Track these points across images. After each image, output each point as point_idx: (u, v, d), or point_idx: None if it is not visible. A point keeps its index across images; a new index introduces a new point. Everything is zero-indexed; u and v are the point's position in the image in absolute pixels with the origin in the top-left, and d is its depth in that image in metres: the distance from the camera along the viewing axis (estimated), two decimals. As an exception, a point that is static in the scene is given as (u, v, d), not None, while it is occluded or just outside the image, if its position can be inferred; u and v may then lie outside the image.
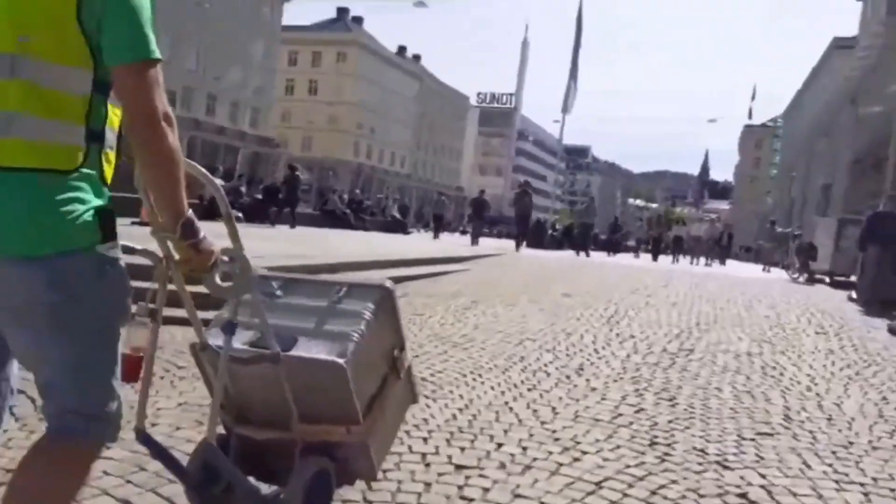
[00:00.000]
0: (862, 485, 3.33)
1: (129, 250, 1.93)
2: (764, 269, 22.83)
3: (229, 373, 2.25)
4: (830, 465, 3.55)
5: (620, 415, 4.13)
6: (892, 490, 3.29)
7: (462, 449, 3.40)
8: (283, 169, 39.91)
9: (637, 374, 5.20)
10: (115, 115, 1.68)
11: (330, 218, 24.86)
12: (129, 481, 2.78)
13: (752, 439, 3.84)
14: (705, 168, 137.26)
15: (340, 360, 2.25)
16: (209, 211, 2.26)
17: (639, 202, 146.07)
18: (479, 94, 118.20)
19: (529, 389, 4.56)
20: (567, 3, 74.84)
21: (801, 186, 52.52)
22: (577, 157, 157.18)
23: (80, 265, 1.59)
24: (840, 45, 54.21)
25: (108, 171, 1.69)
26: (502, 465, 3.24)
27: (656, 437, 3.78)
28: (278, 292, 2.49)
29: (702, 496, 3.08)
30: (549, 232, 31.81)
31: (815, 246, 16.05)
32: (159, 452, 2.25)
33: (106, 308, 1.66)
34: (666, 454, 3.53)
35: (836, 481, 3.36)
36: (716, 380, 5.19)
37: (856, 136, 33.69)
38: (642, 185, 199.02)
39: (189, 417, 3.59)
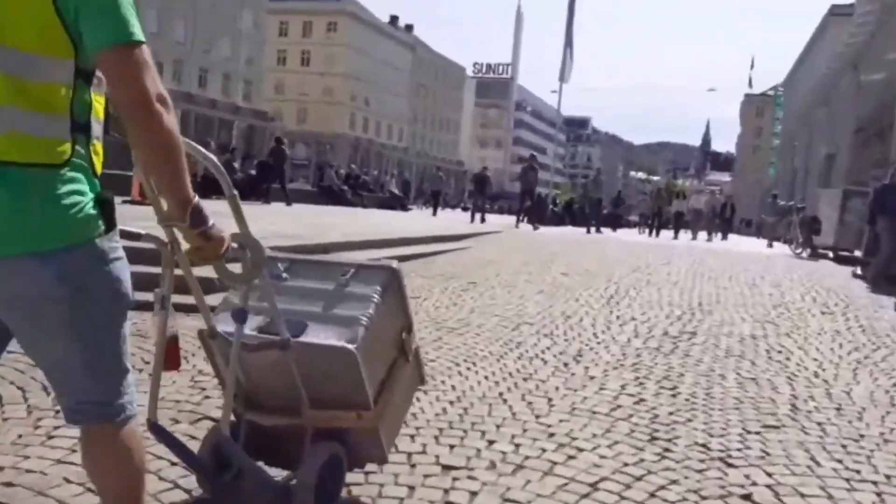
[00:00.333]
0: (874, 483, 3.14)
1: (133, 236, 1.93)
2: (768, 245, 22.56)
3: (239, 359, 2.22)
4: (840, 462, 3.37)
5: (619, 406, 3.94)
6: (907, 489, 3.11)
7: (451, 447, 3.22)
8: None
9: (637, 360, 5.01)
10: (98, 104, 1.63)
11: (327, 194, 24.41)
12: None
13: (758, 433, 3.66)
14: (707, 139, 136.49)
15: (351, 346, 2.22)
16: (204, 188, 2.07)
17: (641, 175, 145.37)
18: (475, 64, 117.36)
19: (525, 379, 4.37)
20: (564, -27, 73.73)
21: (804, 156, 52.08)
22: (577, 128, 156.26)
23: (86, 258, 1.59)
24: (837, 13, 53.56)
25: (97, 163, 1.65)
26: (492, 465, 3.06)
27: (656, 430, 3.60)
28: (284, 275, 2.44)
29: (704, 498, 2.90)
30: (550, 207, 31.48)
31: (819, 219, 15.78)
32: (170, 442, 2.25)
33: (112, 298, 1.66)
34: (666, 450, 3.34)
35: (847, 479, 3.18)
36: (719, 366, 5.00)
37: (858, 104, 33.25)
38: (644, 157, 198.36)
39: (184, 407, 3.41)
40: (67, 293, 1.57)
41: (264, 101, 65.36)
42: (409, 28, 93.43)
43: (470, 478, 2.92)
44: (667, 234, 24.32)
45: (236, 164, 20.80)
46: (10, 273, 1.54)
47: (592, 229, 21.38)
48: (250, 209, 1.96)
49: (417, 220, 17.61)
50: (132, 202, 12.73)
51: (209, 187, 1.89)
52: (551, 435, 3.43)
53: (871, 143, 30.42)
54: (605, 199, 25.45)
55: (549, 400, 3.97)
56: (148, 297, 2.10)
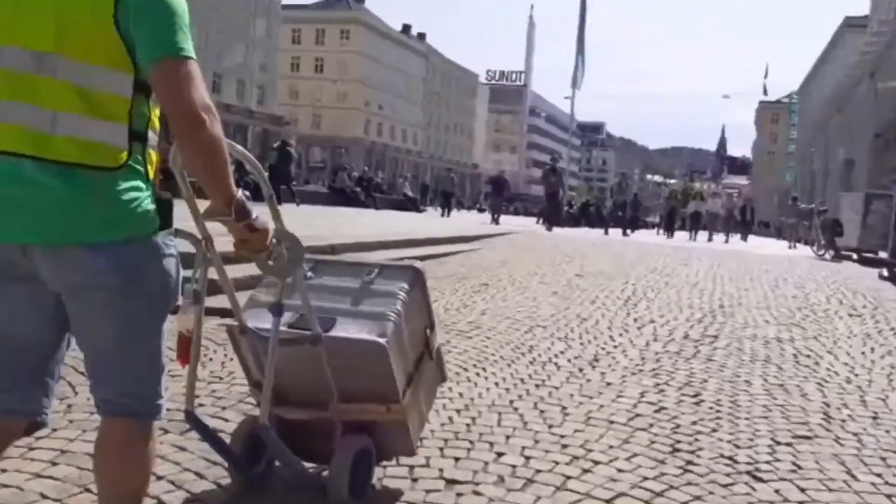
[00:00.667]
0: (920, 500, 2.86)
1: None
2: (790, 246, 22.16)
3: (266, 353, 2.25)
4: (879, 475, 3.10)
5: (638, 415, 3.67)
6: (957, 507, 2.83)
7: (456, 459, 2.97)
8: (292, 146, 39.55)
9: (657, 365, 4.74)
10: (155, 116, 1.72)
11: (340, 196, 24.40)
12: None
13: (788, 444, 3.38)
14: (722, 143, 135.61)
15: (382, 340, 2.29)
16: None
17: (657, 178, 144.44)
18: (488, 71, 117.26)
19: (537, 385, 4.11)
20: (574, -22, 73.46)
21: (822, 161, 51.62)
22: (591, 133, 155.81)
23: (141, 251, 1.66)
24: (851, 24, 53.50)
25: (151, 171, 1.73)
26: (500, 480, 2.80)
27: (678, 441, 3.33)
28: (309, 273, 2.46)
29: (733, 517, 2.64)
30: (566, 209, 31.10)
31: (841, 222, 15.40)
32: (207, 433, 2.33)
33: (160, 293, 1.72)
34: (689, 463, 3.08)
35: (888, 496, 2.91)
36: (744, 371, 4.72)
37: (876, 111, 33.05)
38: (660, 161, 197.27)
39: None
40: (120, 283, 1.63)
41: (278, 106, 65.52)
42: (421, 36, 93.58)
43: (476, 493, 2.68)
44: (683, 235, 23.93)
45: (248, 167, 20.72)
46: (68, 261, 1.61)
47: (619, 231, 21.00)
48: (260, 209, 1.85)
49: (428, 222, 17.38)
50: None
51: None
52: (565, 447, 3.17)
53: (891, 148, 30.23)
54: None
55: (563, 408, 3.72)
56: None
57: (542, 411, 3.65)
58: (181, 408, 3.35)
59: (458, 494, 2.66)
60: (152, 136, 1.72)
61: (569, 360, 4.73)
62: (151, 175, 1.73)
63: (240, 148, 1.99)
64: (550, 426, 3.43)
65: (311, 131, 73.97)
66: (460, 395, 3.83)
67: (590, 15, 33.21)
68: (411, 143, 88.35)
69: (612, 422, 3.55)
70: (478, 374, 4.26)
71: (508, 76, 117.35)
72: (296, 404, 2.39)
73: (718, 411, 3.83)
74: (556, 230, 19.37)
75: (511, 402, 3.78)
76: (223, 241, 2.04)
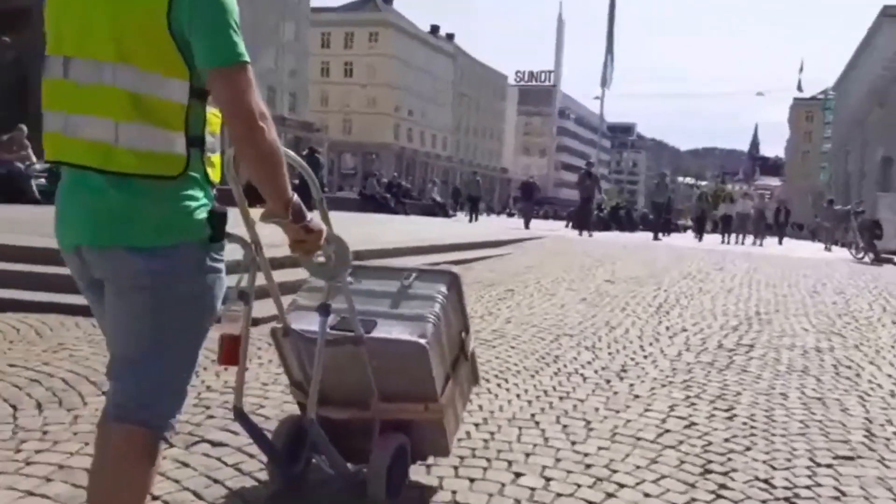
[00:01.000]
0: (976, 529, 2.64)
1: None
2: (826, 249, 21.60)
3: (309, 354, 2.35)
4: (931, 500, 2.86)
5: (667, 431, 3.47)
6: None
7: (471, 481, 2.80)
8: (324, 153, 39.68)
9: (689, 376, 4.53)
10: (215, 117, 1.73)
11: (369, 202, 24.50)
12: None
13: (829, 465, 3.16)
14: (755, 143, 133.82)
15: (422, 341, 2.36)
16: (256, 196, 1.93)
17: (688, 180, 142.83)
18: (517, 72, 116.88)
19: (561, 398, 3.93)
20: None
21: (859, 160, 50.43)
22: (621, 134, 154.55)
23: (179, 259, 1.67)
24: (889, 14, 52.02)
25: (213, 174, 1.75)
26: (519, 504, 2.64)
27: (710, 462, 3.13)
28: (350, 279, 2.48)
29: (771, 546, 2.43)
30: (595, 212, 30.72)
31: (880, 223, 14.94)
32: (253, 431, 2.39)
33: (193, 305, 1.72)
34: (722, 487, 2.88)
35: (942, 523, 2.68)
36: (780, 383, 4.49)
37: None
38: (691, 162, 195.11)
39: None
40: (152, 285, 1.66)
41: (309, 113, 65.80)
42: (450, 37, 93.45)
43: (492, 519, 2.51)
44: (714, 239, 23.40)
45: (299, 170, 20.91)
46: (112, 262, 1.67)
47: (661, 235, 20.47)
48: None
49: (456, 227, 17.22)
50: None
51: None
52: (588, 466, 2.99)
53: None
54: (649, 204, 24.58)
55: (588, 423, 3.53)
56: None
57: (564, 426, 3.47)
58: (191, 419, 3.25)
59: (473, 519, 2.50)
60: (211, 140, 1.74)
61: (595, 371, 4.53)
62: (215, 178, 1.76)
63: (291, 153, 2.01)
64: (573, 443, 3.25)
65: (342, 137, 74.24)
66: (480, 407, 3.66)
67: (619, 12, 32.81)
68: (440, 147, 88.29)
69: (638, 438, 3.35)
70: (499, 386, 4.09)
71: (538, 76, 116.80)
72: (337, 403, 2.44)
73: (753, 428, 3.61)
74: (590, 234, 19.03)
75: (533, 415, 3.61)
76: (267, 246, 2.16)
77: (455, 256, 9.60)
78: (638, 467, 3.01)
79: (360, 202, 24.66)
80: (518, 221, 27.93)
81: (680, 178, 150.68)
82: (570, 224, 28.23)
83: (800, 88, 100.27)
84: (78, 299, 5.56)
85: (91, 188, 1.66)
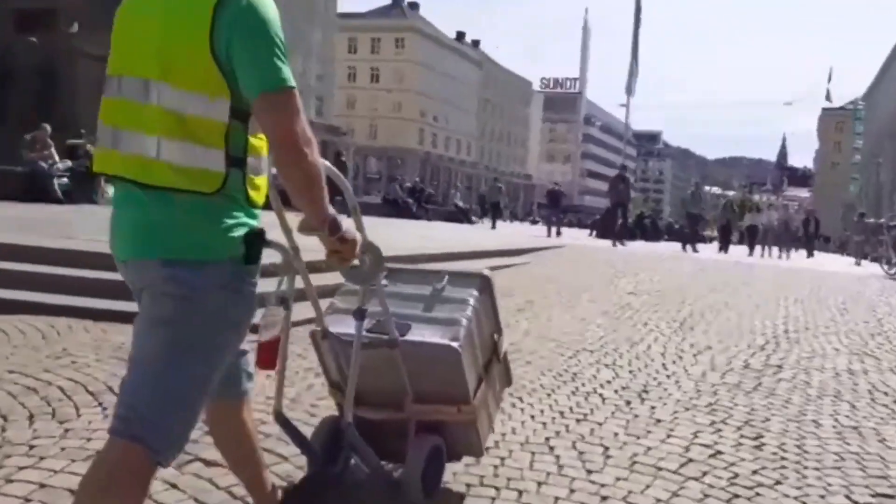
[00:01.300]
0: None
1: None
2: (856, 263, 21.08)
3: (346, 356, 2.40)
4: (979, 546, 2.63)
5: (690, 461, 3.26)
6: None
7: (479, 513, 2.62)
8: (350, 157, 39.68)
9: (714, 399, 4.30)
10: (259, 140, 1.75)
11: (392, 207, 24.42)
12: None
13: None
14: (783, 153, 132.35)
15: (455, 344, 2.40)
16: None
17: (715, 189, 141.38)
18: (542, 79, 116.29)
19: (578, 420, 3.73)
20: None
21: (891, 172, 49.43)
22: (647, 143, 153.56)
23: (204, 275, 1.67)
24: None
25: (256, 197, 1.76)
26: (529, 541, 2.44)
27: (736, 496, 2.91)
28: (384, 282, 2.50)
29: None
30: (620, 221, 30.32)
31: (915, 238, 14.51)
32: (294, 435, 2.44)
33: (214, 324, 1.71)
34: (752, 525, 2.66)
35: None
36: (812, 409, 4.25)
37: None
38: (718, 171, 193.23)
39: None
40: (175, 295, 1.66)
41: (335, 117, 66.04)
42: (475, 43, 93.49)
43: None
44: (739, 251, 22.78)
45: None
46: (143, 272, 1.71)
47: (689, 247, 19.70)
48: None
49: (476, 234, 17.01)
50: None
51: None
52: (604, 499, 2.79)
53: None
54: (675, 214, 23.96)
55: (605, 449, 3.32)
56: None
57: (581, 453, 3.26)
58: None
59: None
60: (254, 163, 1.75)
61: (615, 391, 4.32)
62: (258, 201, 1.77)
63: (327, 163, 2.00)
64: (589, 472, 3.04)
65: (368, 142, 74.40)
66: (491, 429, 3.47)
67: (645, 19, 32.34)
68: (465, 153, 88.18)
69: (659, 468, 3.14)
70: (513, 406, 3.89)
71: (563, 83, 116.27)
72: (373, 405, 2.48)
73: (783, 458, 3.38)
74: (623, 244, 18.58)
75: (547, 439, 3.41)
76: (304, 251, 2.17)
77: (475, 265, 9.40)
78: (658, 501, 2.80)
79: (382, 207, 24.58)
80: (541, 229, 27.68)
81: (707, 188, 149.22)
82: (595, 233, 27.93)
83: (828, 98, 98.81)
84: (90, 302, 5.51)
85: (134, 202, 1.71)
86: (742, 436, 3.66)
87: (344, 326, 2.45)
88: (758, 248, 22.22)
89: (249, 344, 2.03)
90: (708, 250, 21.79)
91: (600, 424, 3.68)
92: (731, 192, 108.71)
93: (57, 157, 13.44)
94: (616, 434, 3.55)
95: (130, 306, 5.61)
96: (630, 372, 4.83)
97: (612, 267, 11.35)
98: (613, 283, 9.39)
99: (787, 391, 4.61)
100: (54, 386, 3.62)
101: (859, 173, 78.94)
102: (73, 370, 3.90)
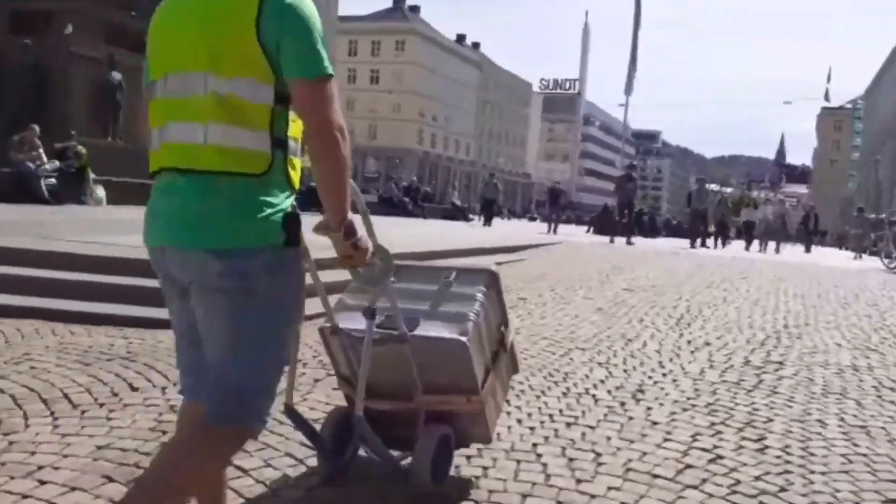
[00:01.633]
0: None
1: None
2: (855, 257, 20.85)
3: (355, 351, 2.48)
4: None
5: (689, 467, 3.03)
6: None
7: (457, 529, 2.39)
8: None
9: (713, 399, 4.07)
10: (296, 125, 1.81)
11: (387, 205, 24.26)
12: None
13: (881, 511, 2.70)
14: (781, 152, 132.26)
15: (464, 338, 2.47)
16: (310, 199, 2.11)
17: (713, 187, 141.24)
18: (541, 80, 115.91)
19: (569, 424, 3.50)
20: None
21: (889, 169, 49.29)
22: (646, 142, 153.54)
23: (256, 263, 1.71)
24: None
25: (294, 177, 1.82)
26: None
27: (740, 505, 2.68)
28: (392, 278, 2.47)
29: None
30: (618, 218, 30.10)
31: (917, 233, 14.29)
32: (304, 427, 2.53)
33: (274, 308, 1.76)
34: (755, 537, 2.43)
35: None
36: (816, 408, 4.02)
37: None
38: (716, 169, 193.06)
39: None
40: (231, 289, 1.70)
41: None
42: (475, 46, 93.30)
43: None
44: (735, 245, 22.42)
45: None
46: (191, 262, 1.73)
47: (697, 243, 19.38)
48: (311, 218, 1.82)
49: (470, 232, 16.77)
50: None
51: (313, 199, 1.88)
52: (595, 511, 2.56)
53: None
54: (674, 211, 23.60)
55: (597, 455, 3.09)
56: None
57: (570, 459, 3.03)
58: (140, 448, 2.86)
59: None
60: (293, 145, 1.81)
61: (609, 392, 4.09)
62: (295, 182, 1.82)
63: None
64: (579, 481, 2.81)
65: (367, 142, 74.24)
66: (476, 435, 3.24)
67: (645, 19, 31.95)
68: (464, 153, 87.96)
69: (655, 476, 2.91)
70: (500, 408, 3.66)
71: (562, 84, 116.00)
72: (383, 396, 2.52)
73: (788, 462, 3.15)
74: (604, 239, 18.46)
75: (535, 445, 3.18)
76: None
77: (469, 262, 9.17)
78: (653, 513, 2.57)
79: (378, 205, 24.39)
80: (540, 226, 27.45)
81: (706, 186, 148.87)
82: (592, 229, 27.72)
83: (827, 98, 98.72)
84: (59, 304, 5.29)
85: (177, 191, 1.74)
86: (743, 438, 3.43)
87: (353, 322, 2.52)
88: (755, 243, 21.98)
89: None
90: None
91: (592, 428, 3.45)
92: (728, 190, 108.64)
93: (45, 158, 13.21)
94: (609, 438, 3.32)
95: (103, 307, 5.37)
96: (624, 371, 4.60)
97: (608, 262, 11.12)
98: (609, 278, 9.17)
99: (790, 389, 4.38)
100: (7, 394, 3.39)
101: (857, 171, 78.89)
102: (31, 376, 3.67)
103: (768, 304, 7.73)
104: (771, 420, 3.74)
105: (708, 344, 5.56)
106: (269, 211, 1.72)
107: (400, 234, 11.53)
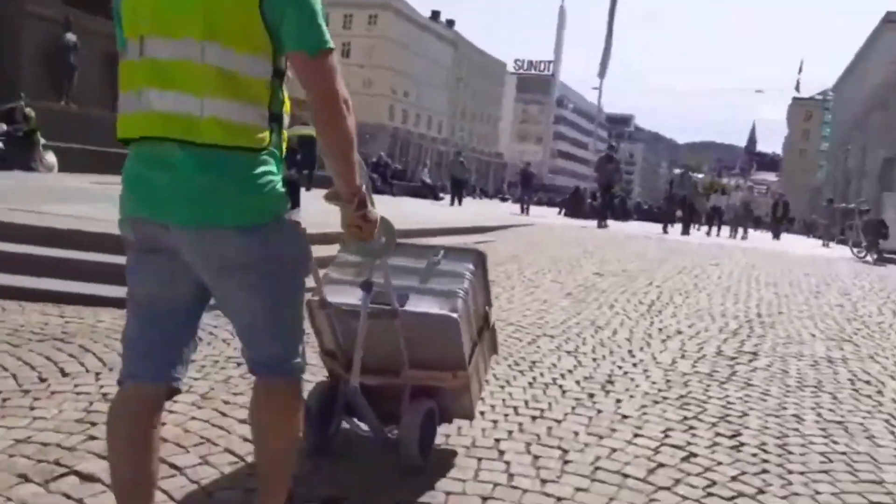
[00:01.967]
0: None
1: None
2: (823, 245, 20.97)
3: (343, 325, 2.54)
4: None
5: (660, 465, 2.83)
6: None
7: (408, 536, 2.16)
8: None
9: (685, 391, 3.89)
10: (288, 99, 1.83)
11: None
12: None
13: (864, 517, 2.53)
14: (752, 139, 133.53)
15: (454, 315, 2.50)
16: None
17: (676, 171, 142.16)
18: (516, 60, 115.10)
19: (534, 418, 3.28)
20: (610, -35, 71.53)
21: (859, 159, 49.96)
22: (619, 126, 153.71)
23: (276, 231, 1.77)
24: (892, 20, 51.82)
25: (284, 147, 1.86)
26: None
27: (715, 510, 2.49)
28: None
29: None
30: (589, 201, 30.04)
31: (886, 223, 14.34)
32: None
33: (297, 267, 1.88)
34: (732, 547, 2.24)
35: None
36: (792, 401, 3.86)
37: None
38: (688, 156, 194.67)
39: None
40: (259, 261, 1.76)
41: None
42: (450, 23, 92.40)
43: None
44: (701, 232, 22.19)
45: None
46: (214, 242, 1.73)
47: (670, 228, 18.89)
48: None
49: (440, 211, 16.50)
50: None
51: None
52: (560, 516, 2.35)
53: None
54: (645, 195, 23.39)
55: (564, 453, 2.88)
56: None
57: (535, 457, 2.82)
58: (63, 442, 2.58)
59: None
60: (286, 119, 1.83)
61: (577, 382, 3.89)
62: (283, 151, 1.83)
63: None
64: (544, 481, 2.60)
65: (336, 116, 73.37)
66: (434, 428, 3.01)
67: (622, 4, 31.66)
68: (436, 130, 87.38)
69: (625, 475, 2.71)
70: (462, 399, 3.43)
71: (537, 66, 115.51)
72: (370, 371, 2.52)
73: (765, 461, 2.97)
74: (577, 222, 18.33)
75: (497, 441, 2.96)
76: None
77: (437, 242, 8.92)
78: (623, 519, 2.37)
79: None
80: (512, 207, 27.24)
81: (676, 171, 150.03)
82: (564, 211, 27.60)
83: (798, 89, 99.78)
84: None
85: (176, 163, 1.70)
86: (718, 434, 3.25)
87: (340, 296, 2.54)
88: (724, 229, 21.90)
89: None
90: (675, 231, 21.26)
91: (559, 422, 3.24)
92: (700, 175, 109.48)
93: (-8, 122, 12.65)
94: (576, 434, 3.11)
95: (40, 283, 4.97)
96: (594, 360, 4.40)
97: (579, 246, 10.95)
98: (580, 262, 8.98)
99: (765, 381, 4.22)
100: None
101: (826, 160, 79.88)
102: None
103: (740, 292, 7.60)
104: (746, 414, 3.56)
105: (680, 332, 5.39)
106: (273, 183, 1.75)
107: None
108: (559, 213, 27.91)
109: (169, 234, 1.74)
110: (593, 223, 17.66)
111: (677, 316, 6.02)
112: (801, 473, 2.88)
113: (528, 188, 24.99)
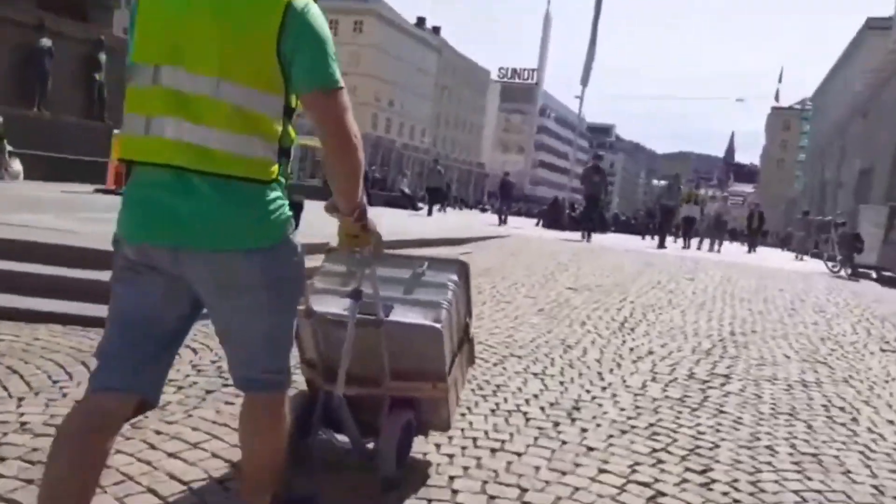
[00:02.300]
0: None
1: None
2: (797, 258, 21.04)
3: (324, 334, 2.61)
4: None
5: (625, 507, 2.65)
6: None
7: None
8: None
9: (655, 419, 3.72)
10: (294, 136, 1.91)
11: (330, 190, 23.57)
12: None
13: (839, 567, 2.36)
14: (731, 150, 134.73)
15: (438, 325, 2.54)
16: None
17: (663, 182, 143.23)
18: (500, 69, 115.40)
19: (494, 450, 3.09)
20: (593, -24, 71.88)
21: (836, 170, 50.34)
22: (601, 135, 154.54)
23: (284, 253, 1.87)
24: (874, 26, 52.35)
25: (289, 177, 1.94)
26: None
27: (681, 559, 2.31)
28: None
29: None
30: (567, 212, 29.96)
31: (861, 237, 14.31)
32: None
33: (297, 284, 1.97)
34: None
35: None
36: (765, 430, 3.70)
37: (900, 117, 31.82)
38: (666, 165, 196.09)
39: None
40: (269, 283, 1.84)
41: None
42: (435, 30, 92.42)
43: None
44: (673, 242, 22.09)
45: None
46: (223, 264, 1.80)
47: (658, 241, 18.65)
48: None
49: (413, 222, 16.30)
50: (105, 191, 11.66)
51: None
52: (512, 570, 2.16)
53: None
54: (623, 206, 23.24)
55: (523, 492, 2.69)
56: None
57: (491, 498, 2.63)
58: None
59: None
60: (293, 153, 1.90)
61: (542, 409, 3.71)
62: (288, 179, 1.90)
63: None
64: (498, 527, 2.41)
65: (317, 125, 73.01)
66: (385, 463, 2.81)
67: (605, 15, 31.61)
68: (419, 139, 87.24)
69: (587, 518, 2.53)
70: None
71: (521, 74, 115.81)
72: (351, 381, 2.50)
73: (736, 501, 2.81)
74: (555, 234, 18.18)
75: (451, 478, 2.76)
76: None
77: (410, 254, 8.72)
78: (580, 571, 2.18)
79: (322, 190, 23.74)
80: (491, 217, 27.11)
81: (655, 181, 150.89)
82: (541, 222, 27.51)
83: (777, 98, 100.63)
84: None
85: (193, 190, 1.75)
86: (687, 469, 3.08)
87: (324, 306, 2.56)
88: (695, 241, 21.74)
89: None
90: (640, 242, 21.15)
91: (519, 456, 3.05)
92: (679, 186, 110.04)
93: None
94: (538, 469, 2.93)
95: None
96: (561, 383, 4.23)
97: (554, 259, 10.79)
98: (554, 276, 8.83)
99: (737, 408, 4.06)
100: None
101: (803, 171, 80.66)
102: None
103: (714, 309, 7.47)
104: (717, 446, 3.40)
105: (651, 353, 5.24)
106: (281, 209, 1.84)
107: (324, 223, 11.03)
108: (537, 223, 27.82)
109: (176, 256, 1.78)
110: (573, 235, 17.45)
111: (650, 334, 5.87)
112: (774, 514, 2.72)
113: (507, 198, 24.96)
